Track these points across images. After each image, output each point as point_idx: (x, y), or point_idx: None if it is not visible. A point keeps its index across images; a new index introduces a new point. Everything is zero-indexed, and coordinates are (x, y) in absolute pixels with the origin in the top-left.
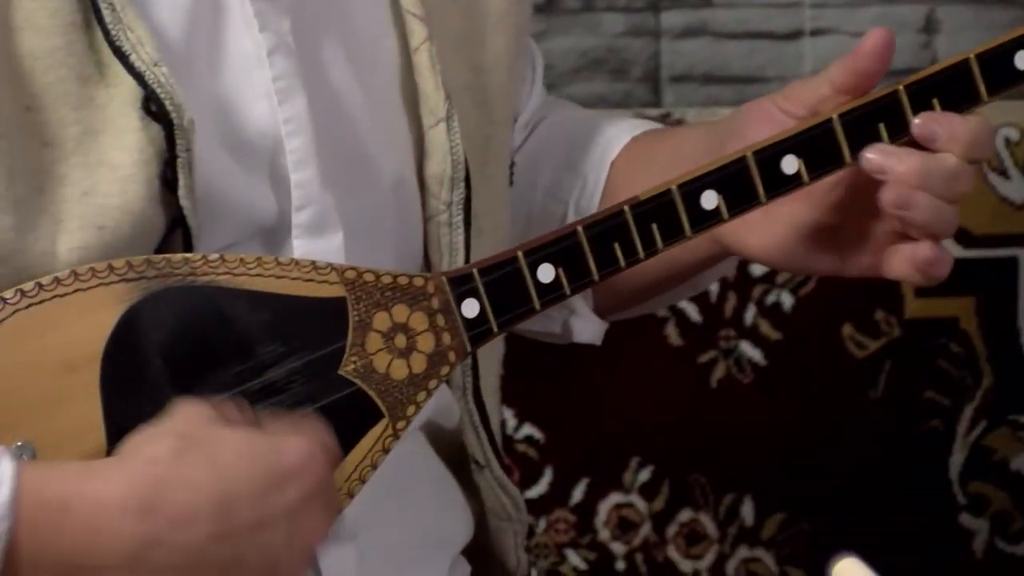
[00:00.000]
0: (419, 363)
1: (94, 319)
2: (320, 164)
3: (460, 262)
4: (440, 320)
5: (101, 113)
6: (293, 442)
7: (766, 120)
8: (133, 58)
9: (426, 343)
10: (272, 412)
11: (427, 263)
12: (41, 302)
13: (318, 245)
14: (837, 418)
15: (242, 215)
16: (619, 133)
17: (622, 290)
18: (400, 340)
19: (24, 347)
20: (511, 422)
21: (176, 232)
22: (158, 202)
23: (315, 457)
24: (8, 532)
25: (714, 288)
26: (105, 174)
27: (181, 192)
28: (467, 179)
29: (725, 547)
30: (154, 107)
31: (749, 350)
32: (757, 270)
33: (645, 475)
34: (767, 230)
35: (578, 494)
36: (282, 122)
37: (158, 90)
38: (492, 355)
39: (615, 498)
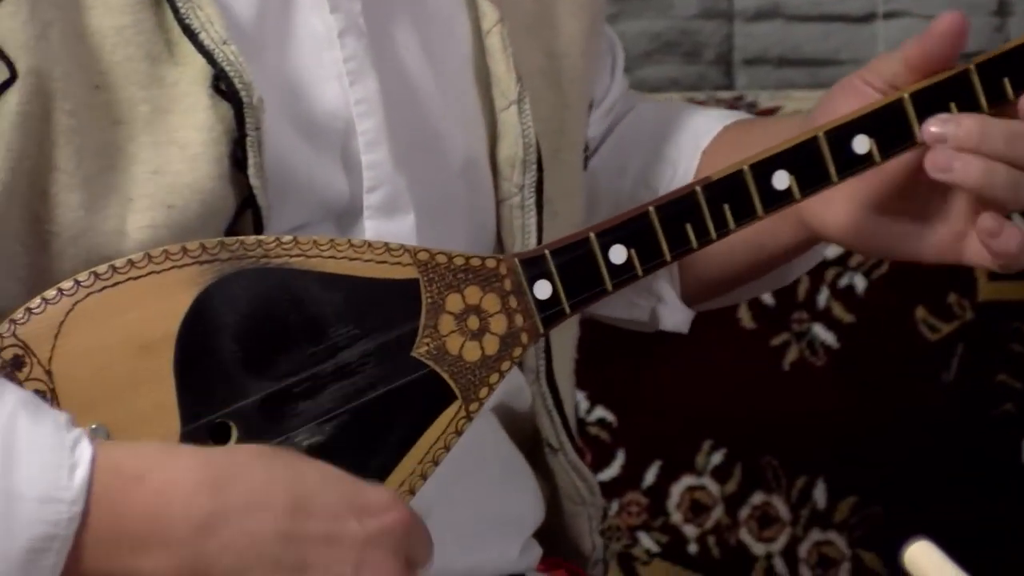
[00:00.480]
0: (492, 345)
1: (168, 302)
2: (392, 145)
3: (532, 245)
4: (512, 302)
5: (170, 92)
6: (379, 489)
7: (853, 94)
8: (203, 36)
9: (499, 325)
10: None
11: (500, 246)
12: (115, 284)
13: (390, 226)
14: (909, 401)
15: (312, 196)
16: (711, 122)
17: (709, 279)
18: (473, 322)
19: (98, 330)
20: (583, 404)
21: (246, 213)
22: (228, 181)
23: (399, 508)
24: (79, 517)
25: None
26: (175, 153)
27: (251, 171)
28: (539, 162)
29: (797, 530)
30: (223, 86)
31: (822, 333)
32: (831, 252)
33: (718, 458)
34: (846, 210)
35: (650, 477)
36: (353, 103)
37: (227, 68)
38: (566, 338)
39: (687, 481)
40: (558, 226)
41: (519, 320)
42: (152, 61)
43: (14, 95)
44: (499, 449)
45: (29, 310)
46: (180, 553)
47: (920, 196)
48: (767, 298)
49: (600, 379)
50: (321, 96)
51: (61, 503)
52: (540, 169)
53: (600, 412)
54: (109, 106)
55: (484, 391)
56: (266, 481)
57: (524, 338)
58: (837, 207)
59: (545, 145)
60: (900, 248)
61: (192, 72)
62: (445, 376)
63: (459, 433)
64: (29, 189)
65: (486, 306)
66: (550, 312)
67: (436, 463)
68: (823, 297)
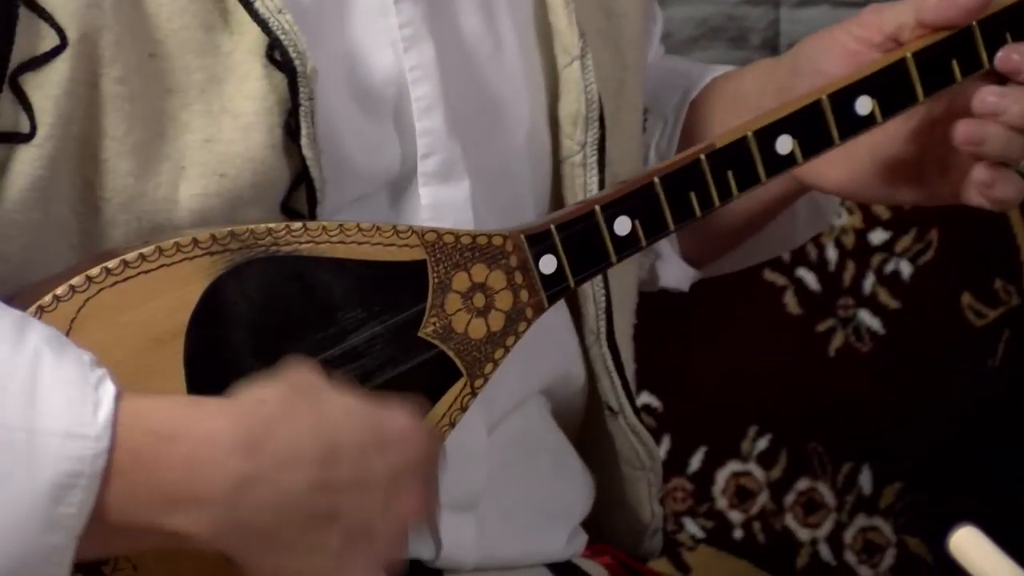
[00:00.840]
0: (497, 321)
1: (179, 293)
2: (447, 111)
3: None
4: (518, 278)
5: (225, 61)
6: (398, 414)
7: (839, 52)
8: (258, 5)
9: (504, 301)
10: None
11: (559, 207)
12: (127, 279)
13: (445, 192)
14: (955, 387)
15: (367, 166)
16: (703, 75)
17: (706, 234)
18: (479, 299)
19: (111, 325)
20: None
21: (300, 188)
22: (280, 151)
23: (418, 432)
24: (105, 453)
25: (833, 256)
26: (228, 122)
27: (303, 141)
28: (601, 119)
29: (843, 516)
30: (278, 55)
31: (868, 319)
32: (876, 238)
33: (763, 443)
34: (846, 163)
35: (696, 462)
36: (407, 70)
37: (282, 37)
38: (626, 301)
39: (733, 466)
40: None
41: (524, 296)
42: (207, 30)
43: (64, 62)
44: (548, 437)
45: (41, 308)
46: (214, 513)
47: (920, 143)
48: (813, 284)
49: (646, 365)
50: (376, 64)
51: (86, 439)
52: (603, 127)
53: (646, 398)
54: (163, 74)
55: (489, 367)
56: (295, 433)
57: (529, 313)
58: (835, 160)
59: (606, 104)
60: (901, 196)
61: (247, 41)
62: (451, 354)
63: (464, 409)
64: (80, 155)
65: (492, 283)
66: (555, 288)
67: (441, 439)
68: (869, 283)
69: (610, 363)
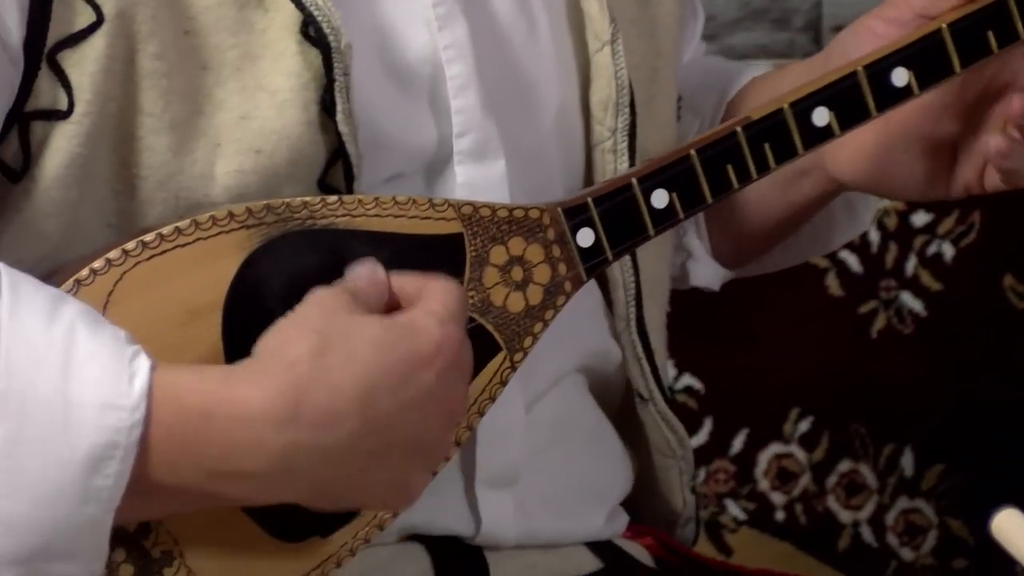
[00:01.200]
0: (535, 295)
1: (216, 267)
2: (481, 90)
3: None
4: (556, 251)
5: (260, 38)
6: (426, 324)
7: (869, 37)
8: None
9: (542, 275)
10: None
11: None
12: (163, 252)
13: (480, 171)
14: (997, 368)
15: (403, 143)
16: (741, 75)
17: (740, 235)
18: (516, 273)
19: (147, 298)
20: (671, 372)
21: (337, 164)
22: (316, 128)
23: (448, 336)
24: (141, 424)
25: (875, 238)
26: (263, 99)
27: (339, 117)
28: (632, 105)
29: (885, 498)
30: (312, 31)
31: (910, 301)
32: (919, 220)
33: (805, 426)
34: (860, 150)
35: (738, 444)
36: (441, 48)
37: (316, 14)
38: (657, 289)
39: (775, 448)
40: None
41: (562, 269)
42: (241, 7)
43: (101, 38)
44: (587, 417)
45: (78, 281)
46: (263, 483)
47: (934, 142)
48: (855, 266)
49: (688, 347)
50: (409, 41)
51: (121, 410)
52: (633, 112)
53: (687, 380)
54: (197, 51)
55: (528, 341)
56: (330, 393)
57: (567, 287)
58: (853, 154)
59: (638, 91)
60: (913, 191)
61: (281, 18)
62: (490, 328)
63: (503, 383)
64: (116, 132)
65: (530, 256)
66: (593, 261)
67: (481, 414)
68: (911, 265)
69: (640, 350)
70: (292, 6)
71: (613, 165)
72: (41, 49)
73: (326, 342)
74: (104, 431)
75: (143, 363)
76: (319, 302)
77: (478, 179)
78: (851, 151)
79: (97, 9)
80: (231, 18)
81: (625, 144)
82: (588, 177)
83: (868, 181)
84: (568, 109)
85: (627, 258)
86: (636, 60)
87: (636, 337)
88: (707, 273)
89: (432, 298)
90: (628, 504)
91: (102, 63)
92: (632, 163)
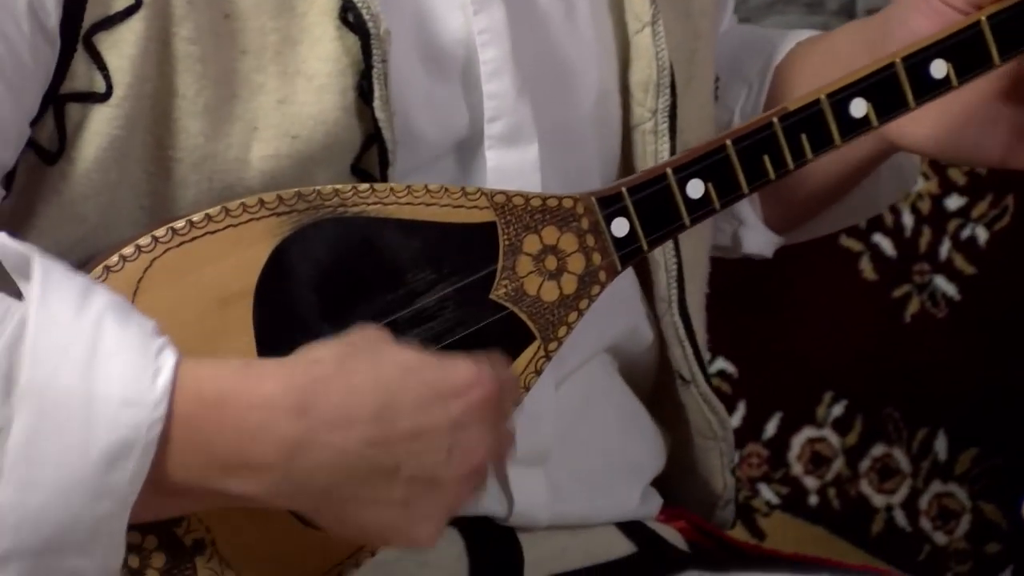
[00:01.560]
0: (569, 284)
1: (246, 254)
2: (515, 75)
3: None
4: (590, 240)
5: (300, 22)
6: (463, 365)
7: (927, 10)
8: None
9: (576, 264)
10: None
11: (628, 174)
12: (193, 239)
13: (512, 156)
14: None
15: (436, 128)
16: (785, 40)
17: (790, 199)
18: (550, 262)
19: (177, 285)
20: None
21: (372, 149)
22: (352, 114)
23: (483, 380)
24: (162, 421)
25: (908, 222)
26: (301, 83)
27: (376, 103)
28: (673, 87)
29: (918, 482)
30: (351, 17)
31: (943, 284)
32: (952, 204)
33: (838, 410)
34: (931, 124)
35: (771, 428)
36: (476, 32)
37: (355, 0)
38: (698, 270)
39: (808, 432)
40: None
41: (597, 258)
42: None
43: (139, 22)
44: (616, 395)
45: (108, 268)
46: (270, 477)
47: (1005, 110)
48: (889, 250)
49: (721, 331)
50: (445, 26)
51: (142, 406)
52: (674, 94)
53: (721, 363)
54: (237, 35)
55: (563, 330)
56: (348, 393)
57: (602, 276)
58: (922, 121)
59: (678, 72)
60: (987, 153)
61: (321, 3)
62: (523, 317)
63: (538, 373)
64: (151, 114)
65: (563, 246)
66: (628, 250)
67: (516, 404)
68: (945, 249)
69: (682, 332)
70: None
71: (654, 147)
72: (78, 31)
73: (356, 351)
74: (123, 428)
75: (168, 358)
76: (361, 328)
77: (508, 164)
78: (932, 120)
79: None
80: (272, 2)
81: (666, 125)
82: (626, 160)
83: (945, 148)
84: (606, 90)
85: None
86: (675, 41)
87: (678, 319)
88: (760, 240)
89: (483, 357)
90: (665, 486)
91: (140, 46)
92: (673, 143)
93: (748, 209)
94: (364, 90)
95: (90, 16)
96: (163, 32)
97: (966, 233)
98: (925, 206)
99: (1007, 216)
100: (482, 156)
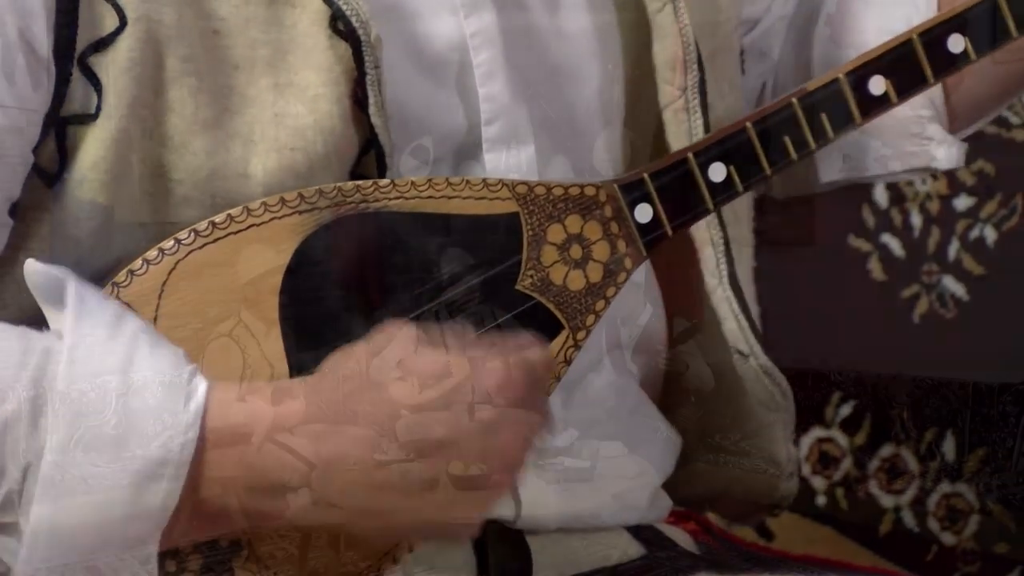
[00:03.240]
0: (596, 272)
1: (270, 253)
2: (510, 77)
3: None
4: (614, 227)
5: (290, 33)
6: (491, 366)
7: None
8: None
9: (601, 251)
10: (467, 328)
11: (656, 157)
12: (216, 240)
13: (509, 158)
14: None
15: (432, 131)
16: None
17: (977, 100)
18: (575, 251)
19: (202, 286)
20: None
21: (369, 154)
22: (349, 121)
23: (512, 380)
24: (194, 443)
25: (917, 223)
26: (295, 94)
27: (371, 109)
28: (699, 62)
29: (926, 482)
30: (341, 25)
31: (952, 285)
32: (961, 204)
33: (846, 410)
34: None
35: None
36: (468, 36)
37: (344, 7)
38: (745, 244)
39: (816, 432)
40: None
41: (622, 245)
42: (270, 4)
43: (124, 42)
44: (627, 397)
45: (132, 272)
46: (300, 498)
47: None
48: (897, 250)
49: None
50: (436, 31)
51: (175, 429)
52: (701, 69)
53: None
54: (228, 50)
55: (591, 318)
56: (379, 407)
57: (628, 263)
58: None
59: (702, 47)
60: None
61: (310, 13)
62: (551, 307)
63: (568, 362)
64: (148, 135)
65: (588, 234)
66: (652, 235)
67: (547, 394)
68: (953, 249)
69: (735, 305)
70: (319, 1)
71: (687, 124)
72: (71, 55)
73: (385, 361)
74: (156, 450)
75: (200, 384)
76: (388, 329)
77: (506, 165)
78: None
79: (120, 13)
80: (261, 16)
81: (697, 101)
82: (658, 141)
83: None
84: (612, 80)
85: (713, 216)
86: (697, 16)
87: (731, 292)
88: (951, 153)
89: (511, 343)
90: (717, 471)
91: (125, 65)
92: (706, 118)
93: (935, 127)
94: (359, 97)
95: (83, 38)
96: (155, 50)
97: (975, 233)
98: (934, 207)
99: (1016, 216)
100: (480, 158)
